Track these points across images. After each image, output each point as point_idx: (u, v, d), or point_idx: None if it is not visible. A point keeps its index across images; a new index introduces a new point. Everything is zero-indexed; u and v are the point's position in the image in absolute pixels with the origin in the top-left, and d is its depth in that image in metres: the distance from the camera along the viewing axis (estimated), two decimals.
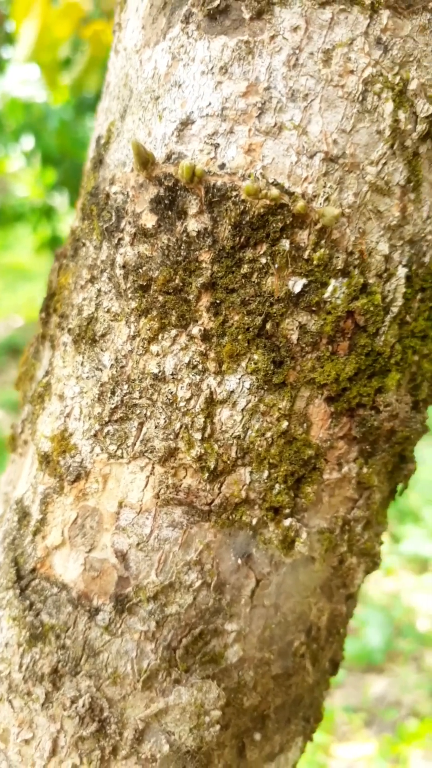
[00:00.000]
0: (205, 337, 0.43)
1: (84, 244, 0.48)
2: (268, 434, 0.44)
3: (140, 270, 0.43)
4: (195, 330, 0.43)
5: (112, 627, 0.46)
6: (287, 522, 0.47)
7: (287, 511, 0.47)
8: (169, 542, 0.45)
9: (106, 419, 0.44)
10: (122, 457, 0.44)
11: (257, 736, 0.52)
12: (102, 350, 0.45)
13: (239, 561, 0.47)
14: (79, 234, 0.49)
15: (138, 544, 0.45)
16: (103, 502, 0.45)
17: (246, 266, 0.42)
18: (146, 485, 0.44)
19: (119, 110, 0.48)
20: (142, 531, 0.45)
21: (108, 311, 0.45)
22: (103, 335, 0.45)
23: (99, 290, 0.45)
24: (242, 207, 0.41)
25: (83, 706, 0.46)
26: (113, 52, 0.52)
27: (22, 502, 0.49)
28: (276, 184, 0.41)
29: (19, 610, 0.47)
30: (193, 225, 0.42)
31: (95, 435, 0.45)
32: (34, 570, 0.47)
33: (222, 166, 0.41)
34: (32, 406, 0.51)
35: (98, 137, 0.52)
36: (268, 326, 0.43)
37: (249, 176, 0.41)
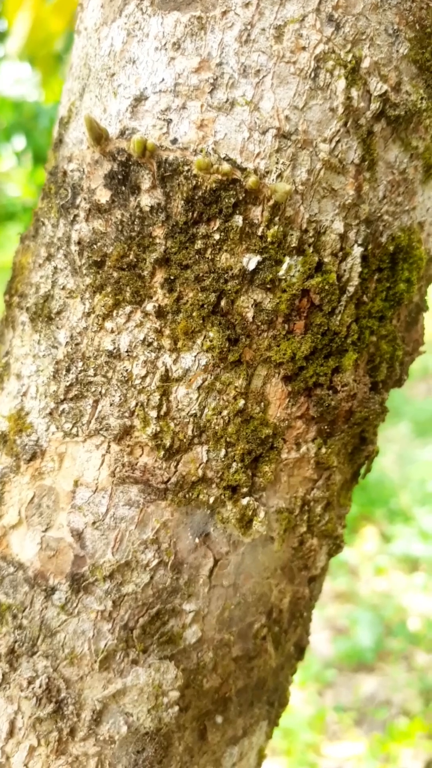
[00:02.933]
0: (160, 313, 0.43)
1: (43, 223, 0.48)
2: (225, 413, 0.44)
3: (95, 246, 0.43)
4: (149, 306, 0.42)
5: (69, 606, 0.45)
6: (245, 501, 0.47)
7: (245, 490, 0.47)
8: (125, 521, 0.45)
9: (62, 397, 0.44)
10: (77, 436, 0.44)
11: (219, 719, 0.52)
12: (58, 328, 0.45)
13: (197, 540, 0.46)
14: (39, 213, 0.49)
15: (94, 523, 0.45)
16: (59, 481, 0.45)
17: (199, 242, 0.42)
18: (102, 464, 0.44)
19: (79, 89, 0.48)
20: (98, 510, 0.45)
21: (63, 288, 0.45)
22: (58, 312, 0.45)
23: (55, 267, 0.45)
24: (194, 182, 0.41)
25: (40, 686, 0.45)
26: (76, 33, 0.52)
27: None
28: (228, 160, 0.41)
29: None
30: (146, 200, 0.42)
31: (50, 413, 0.45)
32: None
33: (174, 141, 0.41)
34: None
35: (60, 118, 0.52)
36: (222, 303, 0.43)
37: (201, 151, 0.41)
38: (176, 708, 0.47)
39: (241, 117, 0.41)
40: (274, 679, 0.56)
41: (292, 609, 0.55)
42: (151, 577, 0.46)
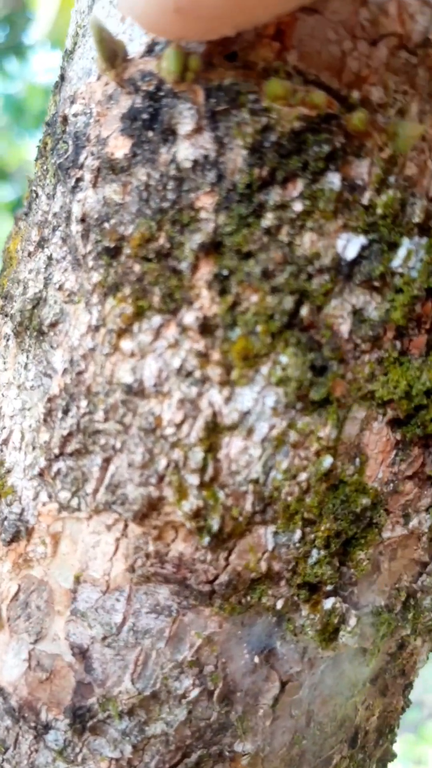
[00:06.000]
0: (206, 328, 0.27)
1: (36, 195, 0.33)
2: (303, 476, 0.29)
3: (106, 224, 0.28)
4: (190, 317, 0.27)
5: (69, 752, 0.31)
6: (329, 603, 0.32)
7: (329, 587, 0.31)
8: (150, 635, 0.30)
9: (56, 452, 0.29)
10: (79, 510, 0.29)
11: None
12: (52, 347, 0.30)
13: (256, 659, 0.32)
14: (33, 181, 0.34)
15: (105, 638, 0.30)
16: (53, 574, 0.31)
17: (270, 216, 0.26)
18: (116, 552, 0.29)
19: (88, 2, 0.33)
20: (110, 619, 0.30)
21: (60, 288, 0.30)
22: (53, 324, 0.30)
23: (49, 257, 0.31)
24: (265, 119, 0.26)
25: None
26: None
27: None
28: (319, 83, 0.26)
29: None
30: (186, 151, 0.26)
31: (41, 474, 0.30)
32: None
33: (232, 56, 0.26)
34: None
35: (65, 51, 0.37)
36: (304, 312, 0.27)
37: (276, 70, 0.26)
38: None
39: (339, 15, 0.26)
40: None
41: (380, 726, 0.40)
42: (189, 712, 0.31)
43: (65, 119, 0.31)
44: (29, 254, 0.33)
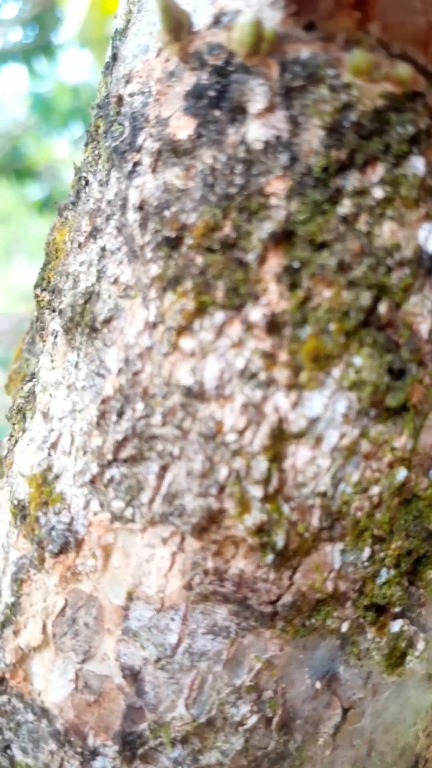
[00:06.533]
0: (273, 326, 0.25)
1: (87, 182, 0.31)
2: (374, 490, 0.27)
3: (167, 212, 0.26)
4: (256, 314, 0.25)
5: None
6: (396, 626, 0.29)
7: (397, 609, 0.29)
8: (207, 658, 0.28)
9: (110, 457, 0.27)
10: (133, 521, 0.27)
11: None
12: (105, 345, 0.28)
13: (318, 684, 0.29)
14: (82, 168, 0.32)
15: (158, 660, 0.28)
16: (103, 589, 0.29)
17: (348, 203, 0.24)
18: (171, 567, 0.27)
19: None
20: (164, 639, 0.28)
21: (115, 282, 0.28)
22: (107, 321, 0.28)
23: (102, 249, 0.29)
24: (345, 97, 0.23)
25: None
26: None
27: None
28: (405, 57, 0.23)
29: None
30: (257, 131, 0.24)
31: (92, 482, 0.28)
32: (2, 680, 0.31)
33: (310, 27, 0.23)
34: (11, 425, 0.35)
35: (115, 31, 0.35)
36: (382, 309, 0.25)
37: (358, 42, 0.23)
38: None
39: None
40: None
41: None
42: (246, 741, 0.29)
43: (120, 99, 0.29)
44: (79, 245, 0.31)
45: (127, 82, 0.29)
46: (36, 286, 0.38)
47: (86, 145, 0.32)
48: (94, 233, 0.29)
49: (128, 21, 0.32)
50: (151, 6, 0.29)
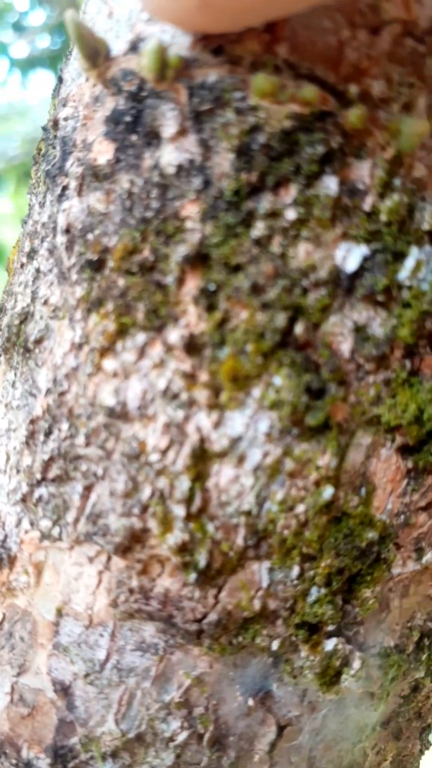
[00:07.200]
0: (192, 347, 0.25)
1: (30, 204, 0.32)
2: (300, 508, 0.27)
3: (90, 235, 0.26)
4: (175, 335, 0.25)
5: None
6: (330, 644, 0.29)
7: (331, 627, 0.29)
8: (135, 674, 0.28)
9: (38, 477, 0.28)
10: (61, 540, 0.28)
11: None
12: (38, 365, 0.28)
13: (251, 701, 0.29)
14: (29, 189, 0.33)
15: (87, 675, 0.28)
16: (36, 604, 0.29)
17: (260, 225, 0.24)
18: (98, 585, 0.28)
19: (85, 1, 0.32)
20: (93, 654, 0.28)
21: (46, 303, 0.28)
22: (38, 341, 0.28)
23: (37, 270, 0.29)
24: (252, 119, 0.23)
25: None
26: None
27: None
28: (312, 77, 0.23)
29: None
30: (170, 155, 0.24)
31: (23, 500, 0.28)
32: None
33: (218, 51, 0.24)
34: None
35: (67, 52, 0.35)
36: (298, 329, 0.25)
37: (265, 64, 0.23)
38: None
39: (336, 1, 0.23)
40: None
41: None
42: (178, 756, 0.29)
43: (56, 123, 0.30)
44: (21, 266, 0.31)
45: (64, 105, 0.30)
46: None
47: (32, 167, 0.33)
48: (31, 254, 0.30)
49: (72, 44, 0.33)
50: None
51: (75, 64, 0.31)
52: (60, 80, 0.33)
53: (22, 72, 3.56)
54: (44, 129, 0.32)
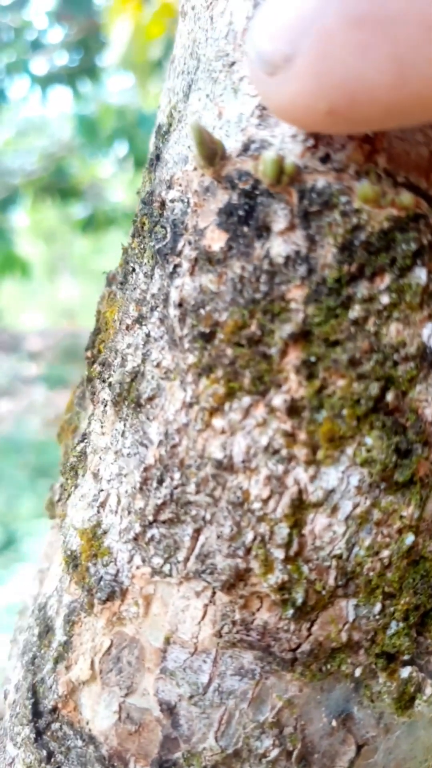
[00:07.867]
0: (293, 410, 0.29)
1: (133, 270, 0.36)
2: (385, 553, 0.30)
3: (202, 311, 0.30)
4: (278, 399, 0.29)
5: None
6: (405, 672, 0.32)
7: (406, 657, 0.32)
8: (234, 696, 0.32)
9: (150, 519, 0.32)
10: (171, 576, 0.31)
11: None
12: (149, 419, 0.32)
13: (334, 722, 0.33)
14: (129, 255, 0.37)
15: (191, 697, 0.32)
16: (144, 632, 0.33)
17: (358, 308, 0.28)
18: (204, 617, 0.31)
19: (183, 88, 0.36)
20: (197, 679, 0.32)
21: (158, 365, 0.32)
22: (150, 398, 0.32)
23: (147, 335, 0.33)
24: (355, 220, 0.27)
25: None
26: (180, 17, 0.39)
27: (45, 610, 0.37)
28: (408, 185, 0.27)
29: (34, 758, 0.35)
30: (279, 247, 0.28)
31: (135, 539, 0.32)
32: (54, 710, 0.35)
33: (326, 159, 0.27)
34: (64, 479, 0.39)
35: (158, 126, 0.39)
36: (389, 397, 0.29)
37: (367, 173, 0.27)
38: None
39: None
40: None
41: None
42: None
43: (163, 204, 0.33)
44: (127, 327, 0.35)
45: (169, 187, 0.34)
46: (87, 349, 0.42)
47: (132, 236, 0.37)
48: (140, 320, 0.34)
49: (170, 125, 0.36)
50: (190, 122, 0.33)
51: (176, 148, 0.35)
52: (157, 158, 0.37)
53: (42, 88, 3.64)
54: (144, 203, 0.36)
